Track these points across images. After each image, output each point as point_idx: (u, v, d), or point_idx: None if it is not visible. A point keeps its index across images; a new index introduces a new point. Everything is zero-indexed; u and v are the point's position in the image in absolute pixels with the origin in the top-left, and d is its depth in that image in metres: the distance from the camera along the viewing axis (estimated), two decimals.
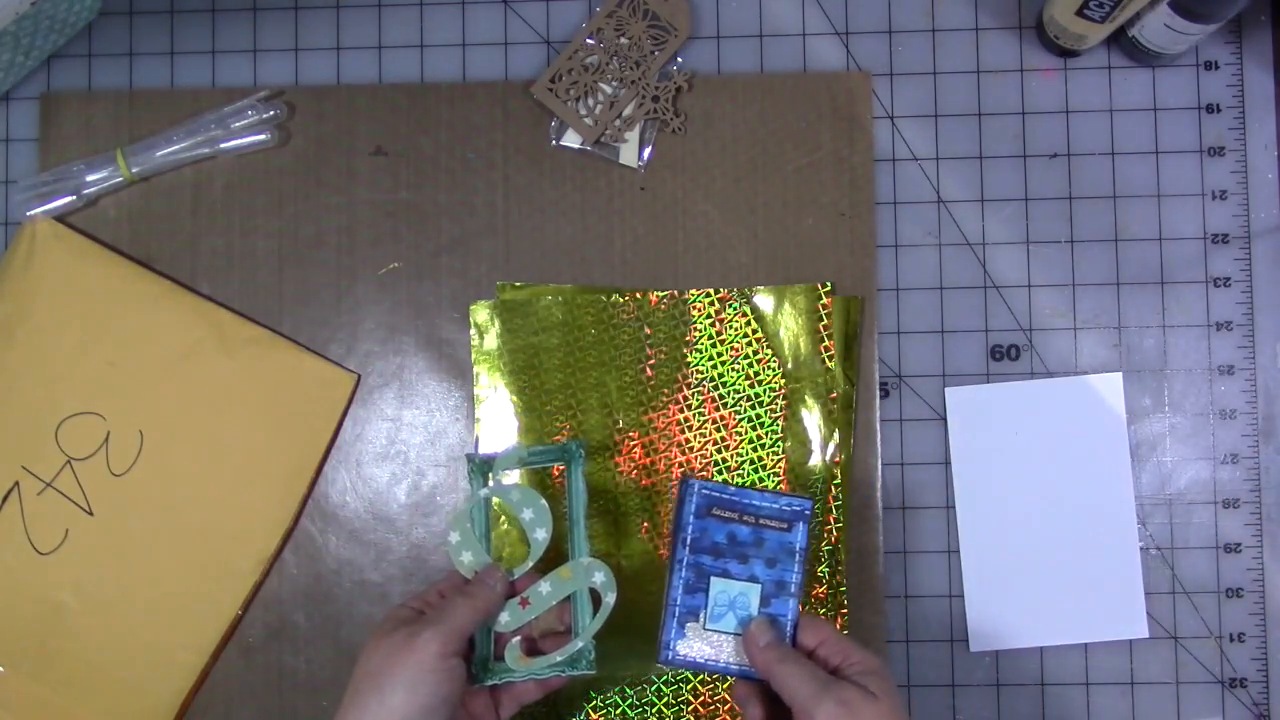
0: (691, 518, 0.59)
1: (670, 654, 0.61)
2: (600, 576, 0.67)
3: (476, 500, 0.69)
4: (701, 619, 0.60)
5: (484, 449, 0.75)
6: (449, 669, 0.60)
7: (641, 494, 0.75)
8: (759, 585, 0.59)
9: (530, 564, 0.68)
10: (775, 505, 0.58)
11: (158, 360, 0.76)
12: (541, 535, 0.68)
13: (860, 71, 0.77)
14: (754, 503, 0.59)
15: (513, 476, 0.75)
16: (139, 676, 0.74)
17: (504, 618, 0.67)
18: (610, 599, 0.66)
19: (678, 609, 0.60)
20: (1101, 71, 0.76)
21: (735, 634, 0.61)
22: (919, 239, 0.76)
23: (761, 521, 0.58)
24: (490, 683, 0.66)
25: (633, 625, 0.74)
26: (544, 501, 0.68)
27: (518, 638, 0.67)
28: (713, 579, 0.59)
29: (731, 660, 0.60)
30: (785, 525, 0.58)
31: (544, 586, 0.67)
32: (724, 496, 0.59)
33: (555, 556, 0.69)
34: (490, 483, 0.70)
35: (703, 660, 0.61)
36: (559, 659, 0.66)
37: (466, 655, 0.63)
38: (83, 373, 0.76)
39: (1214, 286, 0.76)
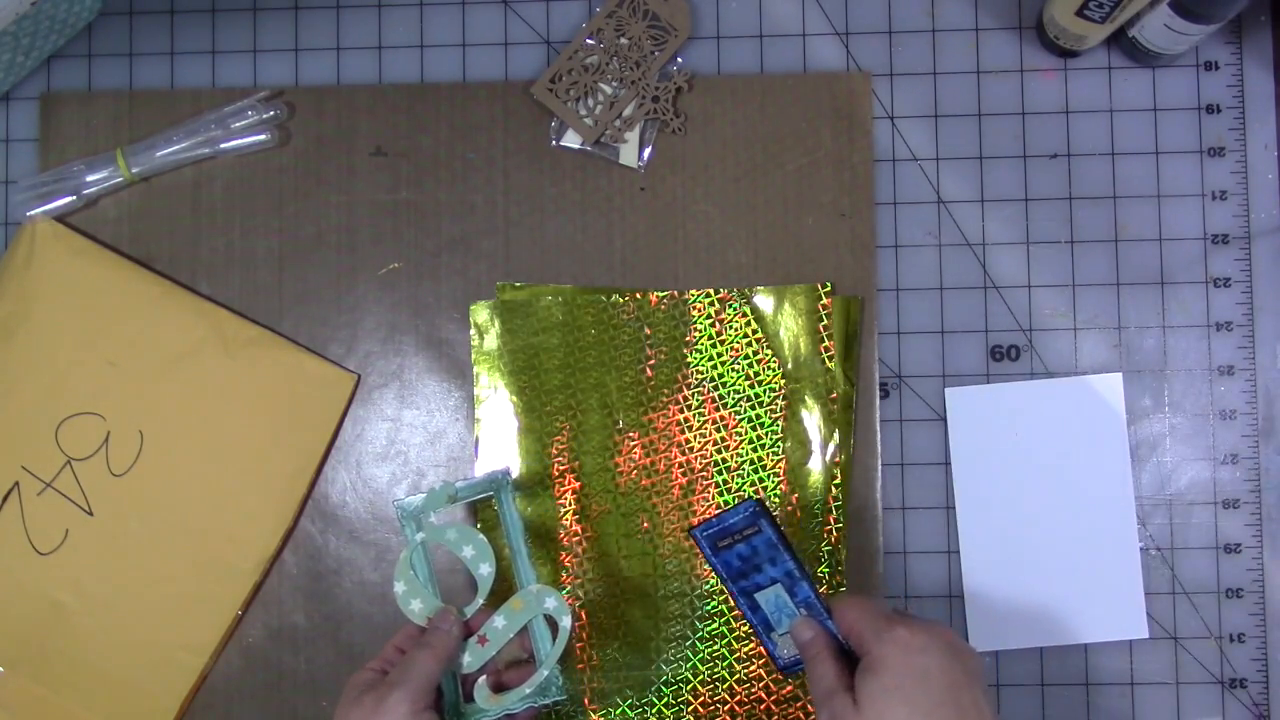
0: (712, 557, 0.65)
1: (784, 664, 0.65)
2: (552, 601, 0.69)
3: (414, 546, 0.69)
4: (777, 629, 0.65)
5: (484, 448, 0.75)
6: None
7: (641, 494, 0.75)
8: (778, 583, 0.64)
9: (480, 601, 0.69)
10: (737, 517, 0.64)
11: (158, 360, 0.76)
12: (485, 570, 0.69)
13: (860, 71, 0.77)
14: (728, 522, 0.64)
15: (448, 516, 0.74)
16: (139, 676, 0.74)
17: (465, 659, 0.68)
18: (566, 623, 0.68)
19: (758, 628, 0.65)
20: (1101, 72, 0.76)
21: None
22: (919, 239, 0.76)
23: (743, 534, 0.64)
24: None
25: (633, 624, 0.74)
26: (482, 536, 0.70)
27: (484, 676, 0.68)
28: (754, 595, 0.64)
29: None
30: (754, 529, 0.63)
31: (499, 621, 0.68)
32: (714, 530, 0.64)
33: (505, 590, 0.71)
34: (423, 527, 0.70)
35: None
36: (528, 691, 0.67)
37: (436, 704, 0.64)
38: (83, 373, 0.75)
39: (1214, 286, 0.76)
